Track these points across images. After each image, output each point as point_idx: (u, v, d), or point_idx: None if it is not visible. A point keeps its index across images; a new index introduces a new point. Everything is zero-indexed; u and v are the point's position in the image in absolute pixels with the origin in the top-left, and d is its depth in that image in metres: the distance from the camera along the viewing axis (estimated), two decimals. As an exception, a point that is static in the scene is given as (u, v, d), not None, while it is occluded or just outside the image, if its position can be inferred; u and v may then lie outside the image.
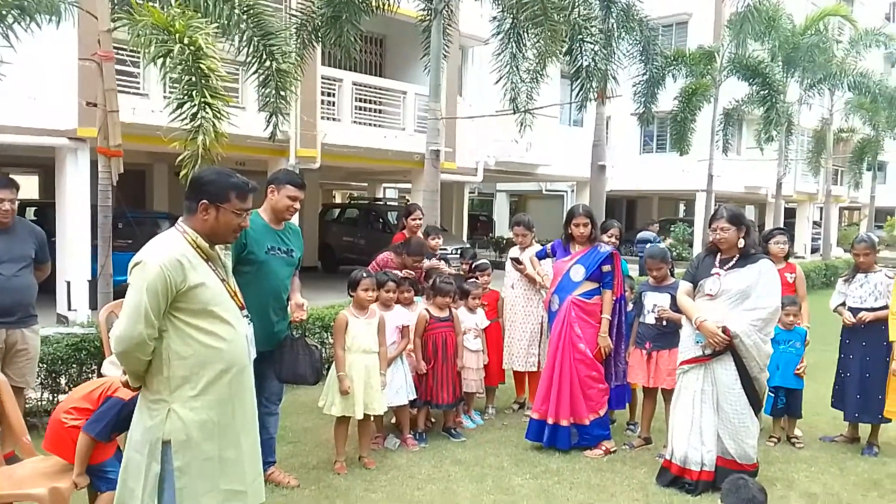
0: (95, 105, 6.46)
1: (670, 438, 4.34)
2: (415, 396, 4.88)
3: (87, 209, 9.41)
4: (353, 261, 14.26)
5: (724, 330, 4.04)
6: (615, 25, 12.65)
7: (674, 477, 4.27)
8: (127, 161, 6.52)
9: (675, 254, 13.65)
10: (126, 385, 2.68)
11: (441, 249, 6.48)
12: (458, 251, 8.85)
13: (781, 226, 17.46)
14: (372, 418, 4.58)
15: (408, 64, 14.29)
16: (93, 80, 6.63)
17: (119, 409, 3.00)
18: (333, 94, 12.55)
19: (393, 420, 5.04)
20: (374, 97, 13.30)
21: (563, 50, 11.01)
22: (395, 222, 14.57)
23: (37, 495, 2.90)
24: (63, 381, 4.88)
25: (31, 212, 11.88)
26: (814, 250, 25.05)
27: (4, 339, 4.08)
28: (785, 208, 22.05)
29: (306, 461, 4.51)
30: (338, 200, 24.86)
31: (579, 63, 11.79)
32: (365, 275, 4.51)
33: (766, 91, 16.90)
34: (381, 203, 18.47)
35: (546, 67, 10.63)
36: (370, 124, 13.10)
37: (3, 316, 3.98)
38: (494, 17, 10.54)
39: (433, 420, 5.32)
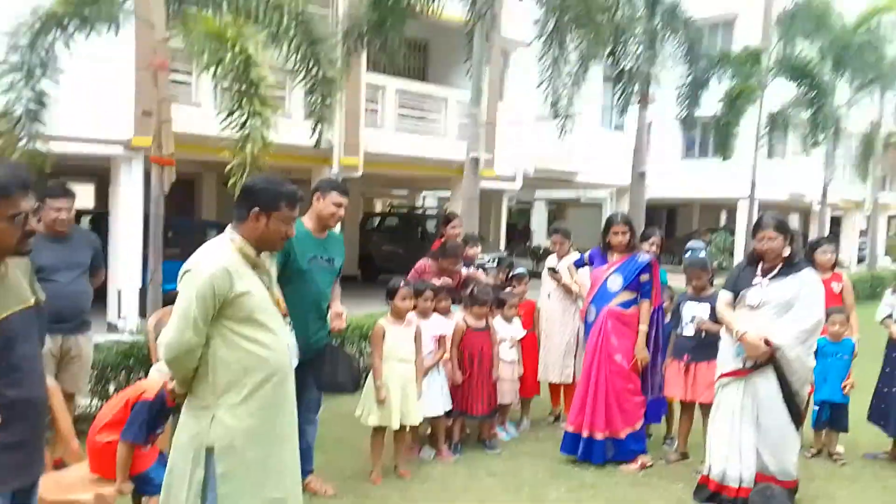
0: (151, 114, 6.63)
1: (708, 454, 4.25)
2: (450, 407, 4.88)
3: (139, 218, 9.46)
4: (393, 270, 14.36)
5: (767, 342, 3.94)
6: (660, 26, 12.42)
7: (711, 493, 4.19)
8: (177, 170, 6.63)
9: (715, 263, 13.38)
10: (172, 392, 2.76)
11: (479, 259, 6.48)
12: (496, 260, 8.83)
13: (826, 235, 16.93)
14: (407, 429, 4.59)
15: (450, 69, 14.31)
16: (149, 89, 6.79)
17: (148, 409, 3.07)
18: (377, 102, 12.63)
19: (428, 430, 5.04)
20: (417, 104, 13.34)
21: (606, 52, 10.88)
22: (434, 231, 14.60)
23: (83, 501, 2.97)
24: (112, 388, 4.91)
25: (86, 220, 12.13)
26: (860, 260, 24.20)
27: (60, 346, 4.14)
28: (831, 217, 21.36)
29: (342, 470, 4.52)
30: (378, 209, 25.06)
31: (622, 65, 11.66)
32: (403, 283, 4.53)
33: (815, 93, 16.40)
34: (419, 212, 18.51)
35: (588, 70, 10.52)
36: (412, 131, 13.14)
37: (59, 322, 4.01)
38: (537, 20, 10.47)
39: (468, 431, 5.31)
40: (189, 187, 15.51)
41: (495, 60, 11.74)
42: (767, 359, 3.98)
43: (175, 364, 2.54)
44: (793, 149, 21.63)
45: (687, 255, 5.58)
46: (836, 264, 5.51)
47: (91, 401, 4.93)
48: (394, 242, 16.25)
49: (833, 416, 5.10)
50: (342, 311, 4.04)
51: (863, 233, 26.35)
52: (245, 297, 2.51)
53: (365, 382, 4.50)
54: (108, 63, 8.55)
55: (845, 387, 5.05)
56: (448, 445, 4.95)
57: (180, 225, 10.92)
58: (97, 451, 3.15)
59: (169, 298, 3.28)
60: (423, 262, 5.50)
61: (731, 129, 16.39)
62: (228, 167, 6.15)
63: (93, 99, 8.77)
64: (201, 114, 9.27)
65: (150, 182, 6.59)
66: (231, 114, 6.11)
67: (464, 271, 5.61)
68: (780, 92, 17.48)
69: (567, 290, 5.60)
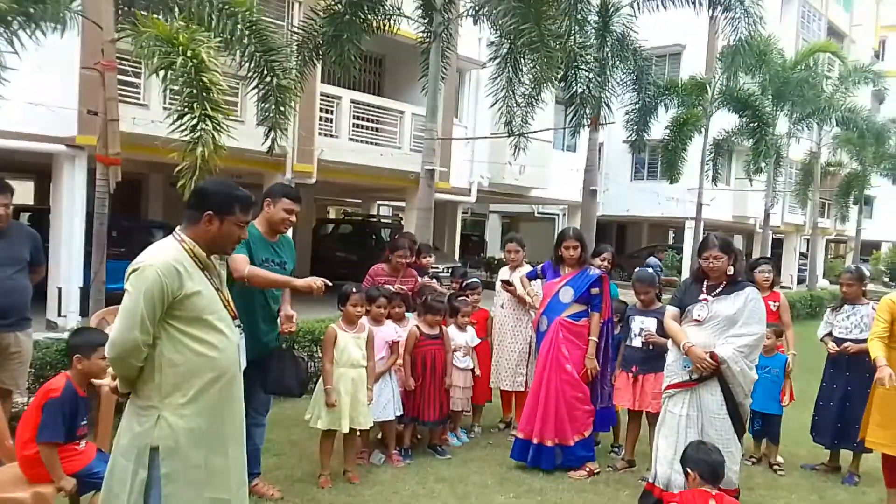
0: (96, 113, 6.49)
1: (654, 462, 4.34)
2: (402, 412, 4.88)
3: (81, 216, 9.40)
4: (345, 276, 14.22)
5: (712, 355, 4.06)
6: (610, 54, 12.83)
7: (656, 500, 4.26)
8: (123, 170, 6.52)
9: (662, 277, 13.85)
10: (114, 391, 2.67)
11: (433, 268, 6.50)
12: (450, 270, 8.87)
13: (767, 256, 17.59)
14: (358, 433, 4.57)
15: (406, 84, 14.41)
16: (94, 88, 6.65)
17: (59, 405, 3.01)
18: (332, 111, 12.63)
19: (379, 435, 5.03)
20: (372, 115, 13.38)
21: (559, 76, 11.15)
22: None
23: (20, 499, 2.87)
24: (50, 386, 4.80)
25: (25, 217, 11.85)
26: (800, 281, 25.24)
27: None
28: (772, 239, 22.25)
29: (290, 474, 4.48)
30: (332, 216, 24.89)
31: (574, 89, 11.97)
32: (355, 290, 4.51)
33: (756, 123, 17.16)
34: (374, 220, 18.52)
35: (541, 93, 10.75)
36: (367, 142, 13.16)
37: None
38: (492, 42, 10.67)
39: (419, 437, 5.31)
40: (135, 187, 15.28)
41: (451, 78, 11.90)
42: (712, 372, 4.10)
43: (119, 363, 2.48)
44: (736, 174, 22.50)
45: (638, 270, 5.73)
46: (774, 284, 5.73)
47: (28, 399, 4.71)
48: (347, 249, 16.23)
49: (764, 427, 5.29)
50: (293, 314, 4.02)
51: (803, 255, 27.47)
52: (194, 297, 2.49)
53: (315, 386, 4.46)
54: (53, 60, 8.32)
55: (783, 401, 5.25)
56: (398, 450, 4.93)
57: (125, 224, 10.72)
58: (29, 463, 3.05)
59: (111, 298, 3.19)
60: (377, 267, 5.52)
61: (678, 154, 17.02)
62: (177, 169, 6.05)
63: (36, 96, 8.53)
64: (149, 115, 9.12)
65: (94, 180, 6.43)
66: (181, 117, 6.00)
67: (419, 279, 5.62)
68: (724, 121, 18.24)
69: (520, 301, 5.66)
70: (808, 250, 26.01)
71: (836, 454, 5.32)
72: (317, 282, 3.51)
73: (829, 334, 5.31)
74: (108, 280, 6.12)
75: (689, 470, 3.42)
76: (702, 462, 3.37)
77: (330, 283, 3.55)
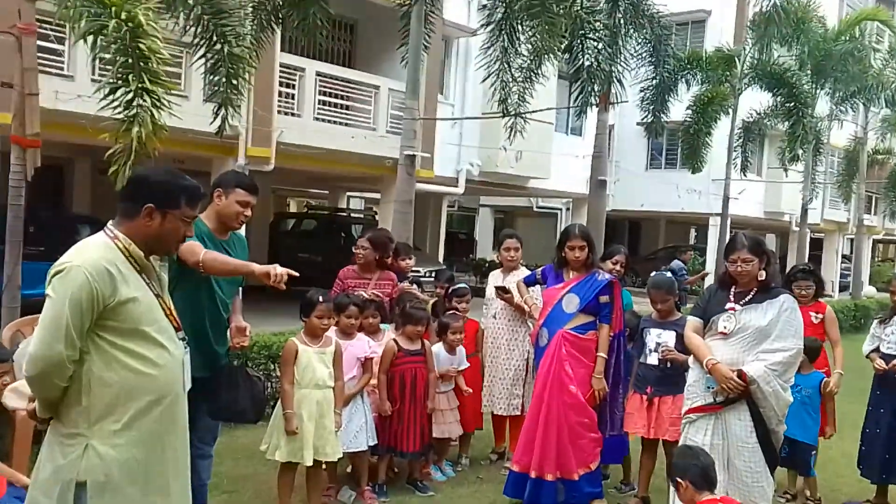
0: (11, 86, 6.48)
1: (671, 500, 4.38)
2: (375, 442, 4.89)
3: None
4: (309, 281, 14.22)
5: (740, 374, 4.10)
6: (622, 21, 12.96)
7: (674, 544, 4.31)
8: (44, 154, 6.53)
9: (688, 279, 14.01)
10: (32, 416, 2.66)
11: (413, 271, 6.52)
12: (433, 273, 8.90)
13: (806, 261, 17.77)
14: (324, 465, 4.57)
15: (382, 54, 14.48)
16: (8, 56, 6.61)
17: None
18: (294, 86, 12.64)
19: (349, 469, 5.04)
20: (342, 91, 13.42)
21: (563, 47, 11.24)
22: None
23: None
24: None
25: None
26: (842, 288, 25.50)
27: None
28: (811, 239, 22.48)
29: (244, 514, 4.49)
30: (293, 210, 24.85)
31: (580, 62, 12.09)
32: (321, 298, 4.50)
33: (793, 103, 17.34)
34: (343, 214, 18.52)
35: (542, 66, 10.83)
36: (335, 122, 13.20)
37: None
38: (484, 6, 10.74)
39: (396, 470, 5.32)
40: (57, 174, 15.17)
41: (435, 48, 11.94)
42: (740, 393, 4.14)
43: (40, 382, 2.47)
44: (769, 164, 22.72)
45: (654, 275, 5.75)
46: (816, 296, 5.69)
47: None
48: (311, 249, 16.20)
49: (792, 455, 5.27)
50: (245, 327, 4.00)
51: (846, 257, 27.75)
52: (130, 304, 2.49)
53: (273, 411, 4.45)
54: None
55: (825, 432, 5.30)
56: (371, 486, 4.94)
57: (46, 218, 10.63)
58: None
59: (28, 306, 3.18)
60: (347, 269, 5.55)
61: (701, 139, 17.15)
62: (108, 153, 6.07)
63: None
64: (75, 88, 9.07)
65: (8, 166, 6.41)
66: (114, 91, 6.02)
67: (396, 285, 5.64)
68: (755, 101, 18.39)
69: (517, 310, 5.69)
70: (851, 252, 26.32)
71: (885, 489, 5.37)
72: (276, 268, 3.49)
73: (877, 350, 5.37)
74: (25, 285, 6.08)
75: (678, 479, 3.48)
76: (691, 466, 3.45)
77: (296, 274, 3.54)
